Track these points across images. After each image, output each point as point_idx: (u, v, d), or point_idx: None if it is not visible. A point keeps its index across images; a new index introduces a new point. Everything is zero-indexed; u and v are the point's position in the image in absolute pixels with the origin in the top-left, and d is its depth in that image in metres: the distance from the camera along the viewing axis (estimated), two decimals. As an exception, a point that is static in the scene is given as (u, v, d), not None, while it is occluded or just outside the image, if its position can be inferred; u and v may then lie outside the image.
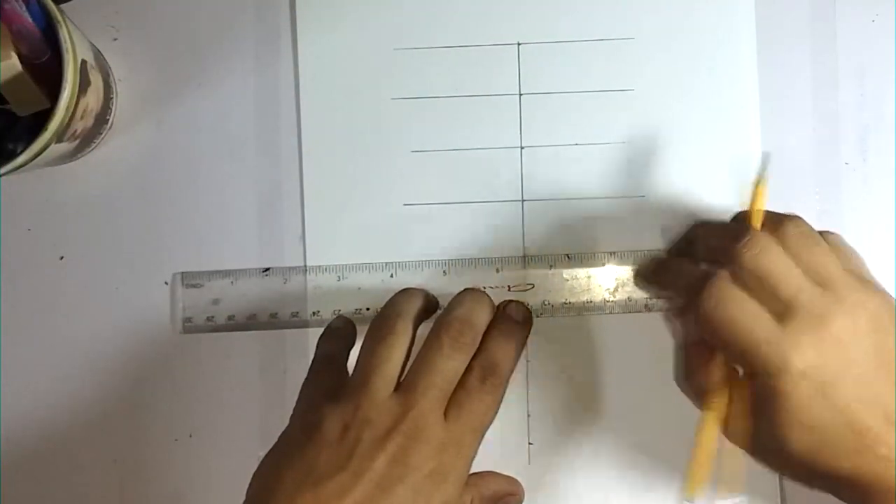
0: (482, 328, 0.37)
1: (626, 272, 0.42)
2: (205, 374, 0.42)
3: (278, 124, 0.42)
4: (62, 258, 0.42)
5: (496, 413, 0.37)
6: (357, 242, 0.42)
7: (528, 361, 0.42)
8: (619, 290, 0.42)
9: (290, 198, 0.42)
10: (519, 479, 0.41)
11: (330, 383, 0.37)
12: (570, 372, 0.42)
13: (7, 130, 0.38)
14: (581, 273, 0.42)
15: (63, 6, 0.39)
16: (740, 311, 0.33)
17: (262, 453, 0.38)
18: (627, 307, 0.42)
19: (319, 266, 0.42)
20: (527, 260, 0.42)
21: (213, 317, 0.42)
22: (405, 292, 0.39)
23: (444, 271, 0.42)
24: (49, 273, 0.42)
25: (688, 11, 0.42)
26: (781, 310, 0.33)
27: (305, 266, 0.42)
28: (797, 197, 0.42)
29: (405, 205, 0.42)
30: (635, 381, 0.42)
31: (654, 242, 0.42)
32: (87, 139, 0.40)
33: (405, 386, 0.35)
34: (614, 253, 0.42)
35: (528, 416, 0.42)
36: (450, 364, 0.36)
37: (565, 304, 0.42)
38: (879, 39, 0.42)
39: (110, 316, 0.42)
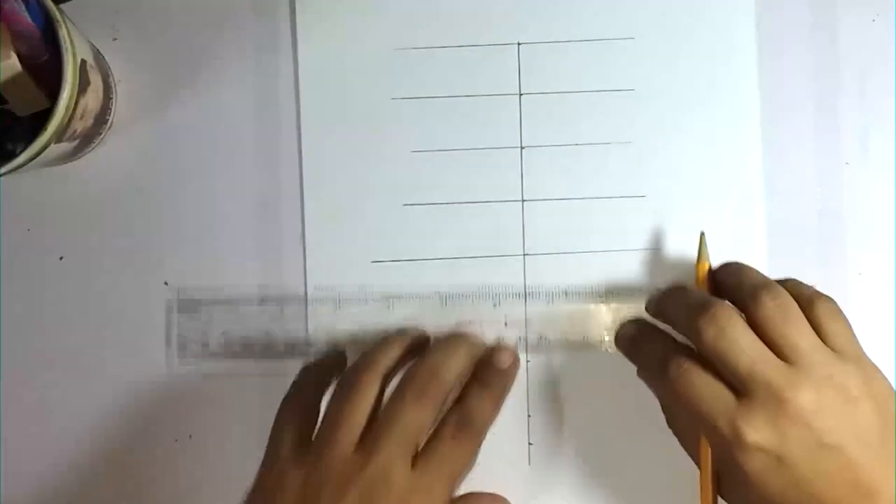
0: (454, 377, 0.37)
1: (623, 310, 0.41)
2: (205, 374, 0.42)
3: (278, 124, 0.42)
4: (62, 258, 0.42)
5: (472, 462, 0.37)
6: (357, 243, 0.42)
7: (528, 361, 0.42)
8: (616, 327, 0.41)
9: (290, 198, 0.42)
10: (519, 479, 0.41)
11: (297, 430, 0.37)
12: (570, 372, 0.42)
13: (7, 130, 0.38)
14: (579, 309, 0.42)
15: (63, 6, 0.39)
16: (700, 386, 0.34)
17: (262, 454, 0.38)
18: None
19: (316, 296, 0.42)
20: (525, 295, 0.42)
21: (207, 344, 0.42)
22: (383, 343, 0.39)
23: (441, 307, 0.42)
24: (48, 273, 0.42)
25: (688, 11, 0.42)
26: (740, 385, 0.33)
27: (306, 295, 0.42)
28: (797, 197, 0.42)
29: (405, 205, 0.42)
30: (636, 382, 0.42)
31: (654, 243, 0.42)
32: (87, 139, 0.40)
33: (368, 439, 0.35)
34: (612, 291, 0.42)
35: (529, 416, 0.42)
36: (413, 416, 0.36)
37: (562, 340, 0.42)
38: (880, 39, 0.42)
39: (110, 316, 0.42)
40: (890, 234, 0.42)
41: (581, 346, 0.42)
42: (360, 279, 0.42)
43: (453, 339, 0.39)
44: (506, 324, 0.42)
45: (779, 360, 0.33)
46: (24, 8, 0.35)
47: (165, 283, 0.42)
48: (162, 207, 0.42)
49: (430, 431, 0.37)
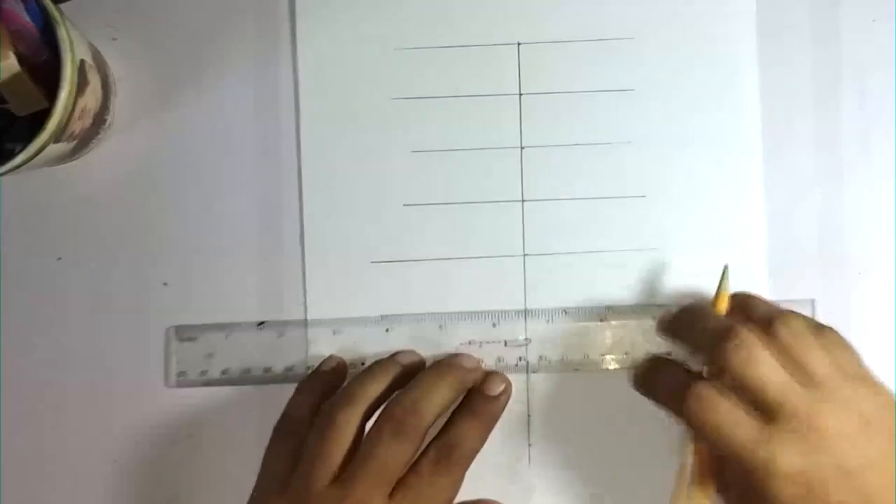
0: (435, 410, 0.37)
1: (623, 329, 0.41)
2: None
3: (278, 124, 0.42)
4: (60, 259, 0.42)
5: (455, 492, 0.37)
6: (357, 243, 0.42)
7: (528, 362, 0.42)
8: (616, 346, 0.42)
9: (290, 198, 0.42)
10: (519, 479, 0.41)
11: (284, 461, 0.37)
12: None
13: (5, 130, 0.38)
14: (579, 328, 0.42)
15: (62, 6, 0.39)
16: (724, 414, 0.33)
17: (263, 453, 0.38)
18: (625, 363, 0.41)
19: (315, 320, 0.42)
20: (525, 314, 0.42)
21: (206, 371, 0.42)
22: (367, 375, 0.39)
23: (440, 326, 0.42)
24: (47, 273, 0.42)
25: (688, 11, 0.42)
26: (767, 412, 0.33)
27: (306, 319, 0.42)
28: (797, 197, 0.42)
29: (405, 205, 0.42)
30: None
31: (654, 243, 0.42)
32: (86, 139, 0.40)
33: (345, 475, 0.35)
34: (611, 308, 0.42)
35: (528, 416, 0.42)
36: (390, 451, 0.35)
37: (562, 359, 0.42)
38: (880, 39, 0.42)
39: (109, 316, 0.42)
40: (890, 234, 0.42)
41: (581, 366, 0.42)
42: (360, 279, 0.42)
43: (438, 371, 0.38)
44: (505, 343, 0.42)
45: (801, 387, 0.33)
46: (23, 7, 0.35)
47: (165, 284, 0.42)
48: (161, 207, 0.42)
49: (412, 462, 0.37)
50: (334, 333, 0.42)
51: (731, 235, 0.42)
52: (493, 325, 0.42)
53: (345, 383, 0.40)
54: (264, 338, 0.42)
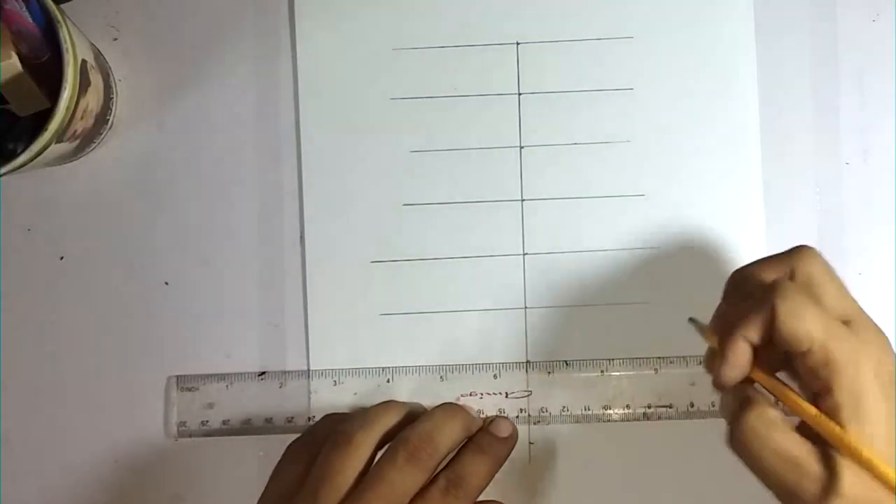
0: (448, 444, 0.37)
1: (624, 381, 0.41)
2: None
3: (278, 124, 0.42)
4: (62, 258, 0.42)
5: None
6: (356, 243, 0.42)
7: (527, 361, 0.42)
8: (618, 398, 0.41)
9: (290, 198, 0.42)
10: (519, 478, 0.41)
11: (293, 476, 0.37)
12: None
13: (7, 130, 0.38)
14: (580, 380, 0.42)
15: (63, 6, 0.39)
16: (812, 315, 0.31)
17: (262, 454, 0.38)
18: (626, 416, 0.41)
19: (316, 370, 0.42)
20: (526, 366, 0.42)
21: (207, 421, 0.42)
22: (384, 404, 0.39)
23: (441, 377, 0.42)
24: (49, 273, 0.42)
25: (687, 11, 0.42)
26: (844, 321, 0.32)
27: (309, 370, 0.42)
28: (797, 197, 0.42)
29: (405, 205, 0.42)
30: (635, 384, 0.42)
31: (653, 241, 0.42)
32: (87, 139, 0.40)
33: (353, 496, 0.35)
34: (612, 360, 0.42)
35: (529, 416, 0.42)
36: (402, 477, 0.35)
37: (563, 411, 0.42)
38: (880, 39, 0.42)
39: (109, 316, 0.42)
40: (890, 234, 0.42)
41: (583, 419, 0.42)
42: (360, 279, 0.42)
43: (451, 408, 0.39)
44: (506, 395, 0.42)
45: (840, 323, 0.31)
46: (24, 7, 0.35)
47: (166, 283, 0.42)
48: (162, 207, 0.42)
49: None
50: (335, 384, 0.42)
51: (729, 235, 0.42)
52: (495, 376, 0.42)
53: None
54: (265, 389, 0.42)
